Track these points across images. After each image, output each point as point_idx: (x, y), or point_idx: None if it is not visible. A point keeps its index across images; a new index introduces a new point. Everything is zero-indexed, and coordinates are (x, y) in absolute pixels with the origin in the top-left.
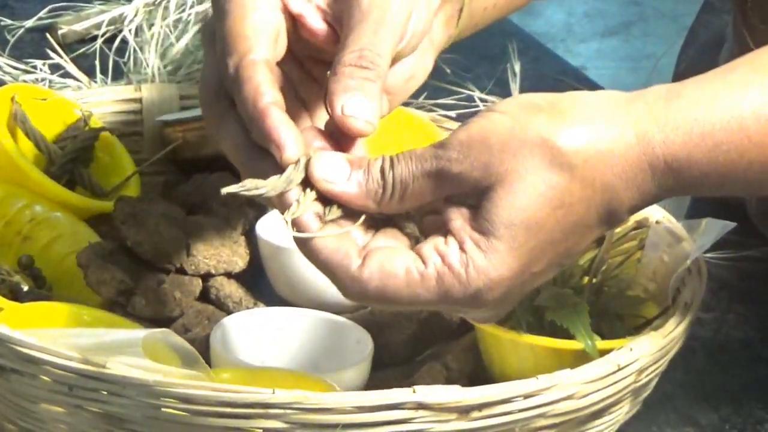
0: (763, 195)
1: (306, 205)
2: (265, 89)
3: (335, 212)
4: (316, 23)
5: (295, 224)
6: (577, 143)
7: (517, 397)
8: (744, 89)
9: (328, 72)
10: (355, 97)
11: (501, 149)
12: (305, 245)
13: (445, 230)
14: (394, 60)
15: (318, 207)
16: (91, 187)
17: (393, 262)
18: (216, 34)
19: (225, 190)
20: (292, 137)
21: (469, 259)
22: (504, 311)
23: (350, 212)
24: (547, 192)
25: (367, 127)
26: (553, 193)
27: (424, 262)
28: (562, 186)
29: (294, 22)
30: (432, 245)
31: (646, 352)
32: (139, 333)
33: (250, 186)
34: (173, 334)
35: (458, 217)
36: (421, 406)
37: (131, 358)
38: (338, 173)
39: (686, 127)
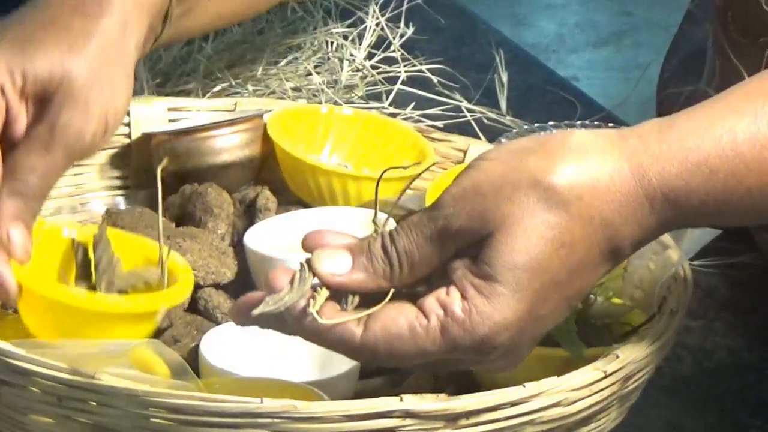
0: (764, 222)
1: (322, 297)
2: None
3: (355, 300)
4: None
5: (303, 318)
6: (571, 181)
7: (504, 404)
8: (737, 116)
9: None
10: (17, 226)
11: (495, 196)
12: (308, 334)
13: (448, 281)
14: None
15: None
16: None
17: (396, 321)
18: None
19: (254, 313)
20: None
21: (472, 305)
22: (520, 357)
23: (370, 295)
24: (546, 233)
25: (24, 255)
26: (552, 234)
27: (426, 316)
28: (561, 225)
29: None
30: (434, 298)
31: (632, 359)
32: (128, 343)
33: (272, 301)
34: (162, 344)
35: (460, 267)
36: (408, 414)
37: (120, 369)
38: (341, 264)
39: (681, 157)
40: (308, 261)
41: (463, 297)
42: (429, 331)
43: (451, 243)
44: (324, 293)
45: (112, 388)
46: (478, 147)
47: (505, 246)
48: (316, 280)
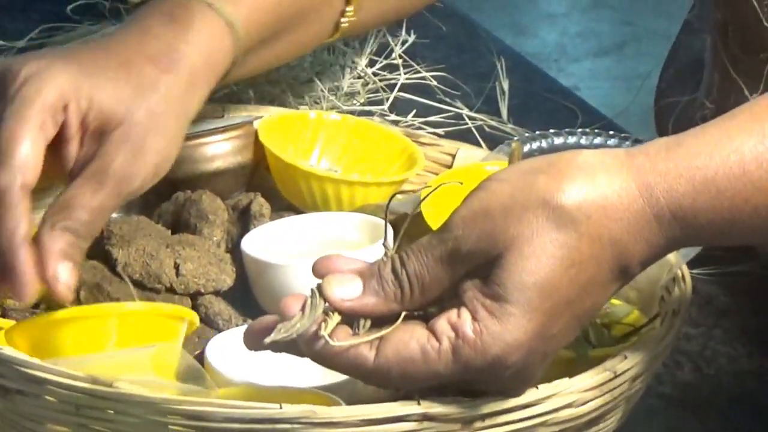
0: None
1: (333, 322)
2: (19, 225)
3: (367, 324)
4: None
5: (315, 342)
6: (579, 200)
7: (518, 406)
8: (744, 136)
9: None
10: (65, 264)
11: (504, 217)
12: (319, 357)
13: (458, 303)
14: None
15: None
16: None
17: (407, 345)
18: None
19: (267, 341)
20: (29, 282)
21: (483, 326)
22: (532, 376)
23: (382, 318)
24: (556, 252)
25: (68, 293)
26: (562, 253)
27: (437, 338)
28: (570, 245)
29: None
30: (445, 320)
31: (640, 360)
32: (147, 349)
33: (284, 329)
34: (179, 347)
35: (470, 288)
36: (426, 417)
37: (139, 376)
38: (352, 289)
39: (688, 175)
40: (319, 287)
41: (474, 318)
42: (441, 354)
43: (462, 264)
44: (336, 318)
45: (130, 396)
46: (466, 150)
47: (515, 266)
48: (327, 305)
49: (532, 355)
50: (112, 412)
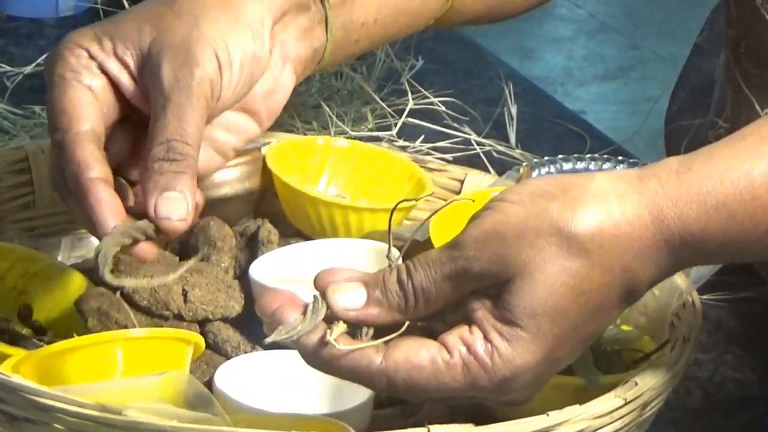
0: None
1: (339, 329)
2: (85, 165)
3: (369, 332)
4: (130, 91)
5: (320, 347)
6: (593, 229)
7: None
8: (754, 159)
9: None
10: (167, 196)
11: (517, 241)
12: (323, 362)
13: (468, 320)
14: (220, 110)
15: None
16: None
17: (418, 352)
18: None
19: (267, 341)
20: (107, 213)
21: (494, 348)
22: (531, 395)
23: (385, 327)
24: (567, 281)
25: (180, 225)
26: (573, 281)
27: (449, 351)
28: (581, 273)
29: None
30: (456, 335)
31: (651, 386)
32: (157, 377)
33: (285, 330)
34: (188, 375)
35: (480, 308)
36: None
37: (149, 403)
38: (356, 298)
39: (699, 201)
40: (323, 294)
41: (486, 339)
42: (450, 367)
43: (470, 283)
44: (342, 326)
45: (139, 423)
46: (474, 176)
47: (526, 293)
48: (328, 312)
49: (537, 377)
50: None
